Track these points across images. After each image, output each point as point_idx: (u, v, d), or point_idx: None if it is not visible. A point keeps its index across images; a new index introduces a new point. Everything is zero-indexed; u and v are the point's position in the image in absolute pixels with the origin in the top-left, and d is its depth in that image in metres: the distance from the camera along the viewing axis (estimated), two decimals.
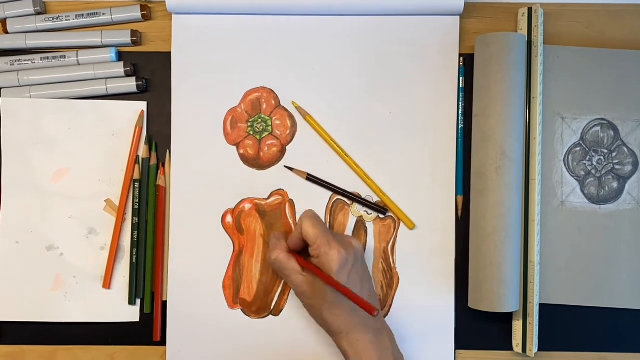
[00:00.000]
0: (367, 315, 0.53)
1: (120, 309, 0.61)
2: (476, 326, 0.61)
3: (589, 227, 0.61)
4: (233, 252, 0.61)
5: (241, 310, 0.61)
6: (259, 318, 0.61)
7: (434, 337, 0.61)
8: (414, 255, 0.61)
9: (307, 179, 0.61)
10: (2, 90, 0.62)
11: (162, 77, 0.62)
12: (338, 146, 0.61)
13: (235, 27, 0.62)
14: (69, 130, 0.62)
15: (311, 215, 0.56)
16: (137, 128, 0.62)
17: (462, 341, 0.61)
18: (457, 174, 0.61)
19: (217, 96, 0.62)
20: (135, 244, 0.61)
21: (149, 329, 0.61)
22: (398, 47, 0.62)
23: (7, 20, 0.62)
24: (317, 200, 0.61)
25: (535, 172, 0.59)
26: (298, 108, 0.62)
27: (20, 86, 0.62)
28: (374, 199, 0.62)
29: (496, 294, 0.56)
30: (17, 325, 0.61)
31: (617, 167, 0.61)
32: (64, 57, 0.61)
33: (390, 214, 0.62)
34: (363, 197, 0.61)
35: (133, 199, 0.61)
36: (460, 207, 0.61)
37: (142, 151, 0.62)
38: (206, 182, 0.61)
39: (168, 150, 0.62)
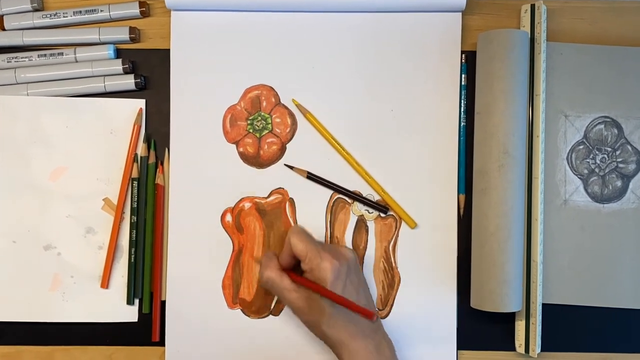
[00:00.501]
0: (367, 325, 0.53)
1: (118, 309, 0.61)
2: (478, 326, 0.61)
3: (593, 226, 0.60)
4: (232, 251, 0.61)
5: (241, 310, 0.61)
6: (258, 318, 0.61)
7: (436, 338, 0.60)
8: (415, 254, 0.61)
9: (308, 177, 0.61)
10: None
11: (161, 75, 0.62)
12: (339, 144, 0.61)
13: (235, 24, 0.61)
14: (67, 129, 0.61)
15: (298, 230, 0.56)
16: (136, 126, 0.61)
17: (464, 342, 0.61)
18: (459, 172, 0.61)
19: (217, 94, 0.61)
20: (133, 244, 0.60)
21: (147, 329, 0.61)
22: (399, 45, 0.61)
23: (4, 17, 0.62)
24: (317, 199, 0.61)
25: (538, 170, 0.59)
26: (298, 106, 0.61)
27: (17, 84, 0.61)
28: (375, 197, 0.61)
29: (499, 294, 0.56)
30: (14, 326, 0.61)
31: (620, 165, 0.61)
32: (62, 54, 0.61)
33: (391, 212, 0.61)
34: (364, 195, 0.61)
35: (131, 197, 0.61)
36: (462, 206, 0.61)
37: (141, 149, 0.61)
38: (205, 180, 0.61)
39: (167, 149, 0.62)
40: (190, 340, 0.60)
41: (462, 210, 0.61)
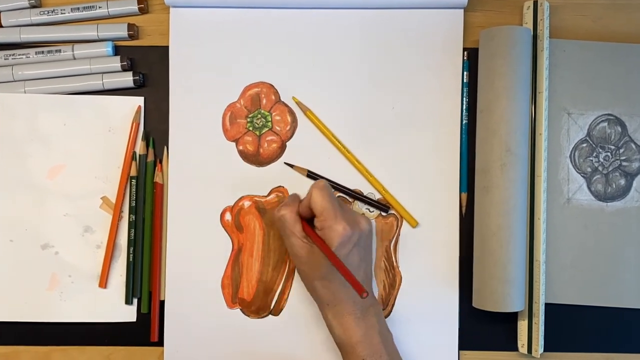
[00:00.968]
0: (359, 297, 0.53)
1: (116, 308, 0.60)
2: (480, 326, 0.60)
3: (596, 225, 0.60)
4: (232, 250, 0.61)
5: (240, 310, 0.60)
6: (258, 318, 0.60)
7: (438, 338, 0.60)
8: (416, 253, 0.60)
9: (308, 175, 0.61)
10: None
11: (160, 72, 0.61)
12: (339, 142, 0.60)
13: (235, 21, 0.61)
14: (65, 126, 0.61)
15: (322, 185, 0.55)
16: (134, 124, 0.61)
17: (466, 342, 0.60)
18: (460, 170, 0.61)
19: (216, 91, 0.61)
20: (132, 243, 0.60)
21: (146, 329, 0.60)
22: (400, 42, 0.61)
23: (1, 14, 0.61)
24: None
25: (540, 168, 0.58)
26: (298, 103, 0.61)
27: (15, 81, 0.61)
28: (376, 196, 0.61)
29: (501, 294, 0.56)
30: (11, 326, 0.61)
31: (624, 163, 0.60)
32: (60, 51, 0.61)
33: (392, 211, 0.61)
34: (365, 194, 0.61)
35: (130, 196, 0.60)
36: (464, 204, 0.61)
37: (139, 147, 0.61)
38: (204, 179, 0.61)
39: (165, 147, 0.61)
40: (189, 340, 0.60)
41: (464, 209, 0.61)
